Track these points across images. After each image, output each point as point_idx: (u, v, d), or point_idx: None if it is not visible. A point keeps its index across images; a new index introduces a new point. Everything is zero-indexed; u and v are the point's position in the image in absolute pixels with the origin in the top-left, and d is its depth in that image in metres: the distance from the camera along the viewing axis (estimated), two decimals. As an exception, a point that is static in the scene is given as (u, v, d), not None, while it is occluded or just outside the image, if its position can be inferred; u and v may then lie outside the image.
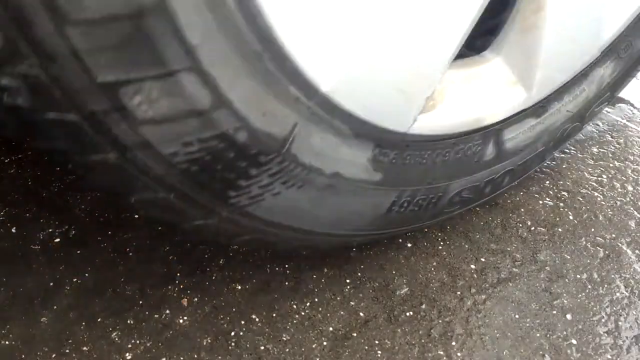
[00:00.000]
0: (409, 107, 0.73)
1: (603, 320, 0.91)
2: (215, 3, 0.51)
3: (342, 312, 0.87)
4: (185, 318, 0.83)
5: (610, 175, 1.21)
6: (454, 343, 0.85)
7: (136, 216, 0.99)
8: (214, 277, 0.89)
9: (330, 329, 0.85)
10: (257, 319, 0.84)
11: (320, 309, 0.87)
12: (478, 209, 1.08)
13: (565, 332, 0.88)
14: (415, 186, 0.83)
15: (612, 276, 0.99)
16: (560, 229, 1.06)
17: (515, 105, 0.86)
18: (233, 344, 0.81)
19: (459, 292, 0.92)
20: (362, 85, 0.66)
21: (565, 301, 0.93)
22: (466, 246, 1.00)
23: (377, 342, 0.84)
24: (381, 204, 0.81)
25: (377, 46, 0.64)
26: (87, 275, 0.90)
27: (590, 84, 0.96)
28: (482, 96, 0.83)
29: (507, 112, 0.86)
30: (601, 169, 1.23)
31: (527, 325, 0.89)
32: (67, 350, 0.78)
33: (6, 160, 1.08)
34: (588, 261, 1.01)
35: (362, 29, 0.62)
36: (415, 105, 0.74)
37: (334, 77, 0.63)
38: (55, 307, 0.84)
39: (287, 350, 0.81)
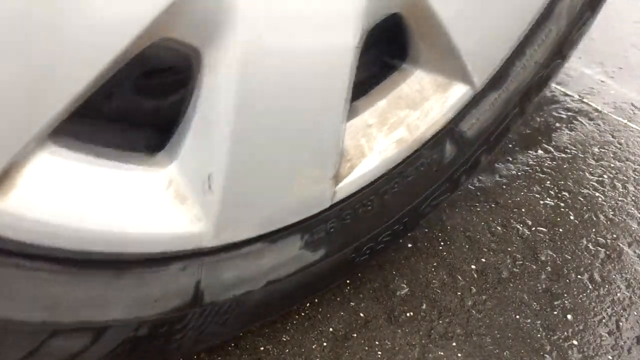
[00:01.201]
0: (317, 195, 0.66)
1: (604, 320, 0.91)
2: None
3: (342, 313, 0.87)
4: (185, 318, 0.83)
5: (611, 176, 1.21)
6: (454, 344, 0.84)
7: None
8: (213, 278, 0.89)
9: (330, 329, 0.84)
10: (257, 320, 0.84)
11: (320, 309, 0.87)
12: (479, 209, 1.08)
13: (566, 333, 0.88)
14: (371, 233, 0.77)
15: (613, 277, 0.99)
16: (561, 229, 1.06)
17: (461, 101, 0.75)
18: (233, 344, 0.81)
19: (459, 293, 0.92)
20: (251, 215, 0.62)
21: (566, 302, 0.93)
22: (467, 246, 1.00)
23: (377, 342, 0.83)
24: (340, 265, 0.77)
25: (252, 176, 0.59)
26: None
27: (557, 20, 0.81)
28: (415, 114, 0.72)
29: (453, 112, 0.76)
30: (602, 169, 1.23)
31: (528, 325, 0.89)
32: (67, 351, 0.78)
33: None
34: (589, 261, 1.01)
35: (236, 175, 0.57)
36: (323, 190, 0.66)
37: (216, 234, 0.59)
38: (54, 308, 0.84)
39: (287, 350, 0.81)
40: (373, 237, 0.78)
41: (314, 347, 0.82)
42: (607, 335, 0.89)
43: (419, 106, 0.73)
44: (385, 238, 0.80)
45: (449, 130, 0.77)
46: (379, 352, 0.82)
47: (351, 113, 0.67)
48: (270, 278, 0.68)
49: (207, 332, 0.68)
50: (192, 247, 0.58)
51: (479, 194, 1.12)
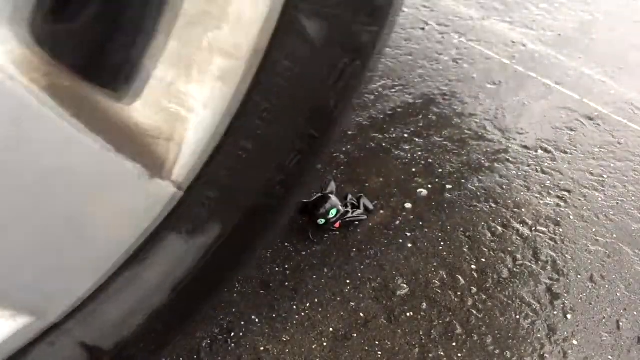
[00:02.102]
0: (151, 203, 0.56)
1: (604, 320, 0.91)
2: None
3: (342, 313, 0.87)
4: (185, 318, 0.83)
5: (611, 176, 1.21)
6: (454, 344, 0.84)
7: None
8: (213, 277, 0.89)
9: (331, 329, 0.84)
10: (257, 319, 0.84)
11: (320, 309, 0.87)
12: (479, 209, 1.08)
13: (566, 333, 0.88)
14: (269, 172, 0.62)
15: (613, 276, 0.99)
16: (561, 229, 1.06)
17: None
18: (233, 344, 0.81)
19: (459, 292, 0.92)
20: (77, 278, 0.55)
21: (566, 301, 0.93)
22: (467, 246, 1.00)
23: (377, 342, 0.83)
24: (256, 216, 0.65)
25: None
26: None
27: None
28: (223, 32, 0.53)
29: None
30: (602, 168, 1.23)
31: (528, 325, 0.89)
32: (67, 351, 0.78)
33: None
34: (589, 261, 1.01)
35: None
36: (154, 193, 0.55)
37: (51, 313, 0.54)
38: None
39: (287, 350, 0.81)
40: (276, 172, 0.62)
41: (314, 347, 0.82)
42: (607, 335, 0.89)
43: (222, 19, 0.53)
44: (293, 162, 0.63)
45: (294, 10, 0.54)
46: (379, 352, 0.82)
47: (139, 81, 0.52)
48: (173, 284, 0.61)
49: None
50: (36, 334, 0.54)
51: (479, 194, 1.12)
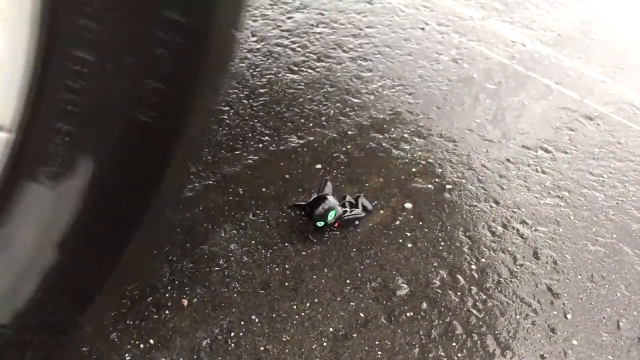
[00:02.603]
0: None
1: (604, 320, 0.91)
2: None
3: (342, 313, 0.87)
4: (185, 318, 0.83)
5: (611, 176, 1.21)
6: (454, 344, 0.85)
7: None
8: (214, 277, 0.89)
9: (331, 329, 0.84)
10: (257, 319, 0.84)
11: (320, 309, 0.87)
12: (479, 209, 1.08)
13: (565, 333, 0.88)
14: (134, 81, 0.48)
15: (613, 276, 0.99)
16: (561, 229, 1.06)
17: None
18: (233, 344, 0.81)
19: (459, 292, 0.92)
20: None
21: (565, 301, 0.93)
22: (467, 246, 1.00)
23: (377, 342, 0.83)
24: (137, 133, 0.52)
25: None
26: (86, 275, 0.89)
27: None
28: None
29: None
30: (602, 169, 1.23)
31: (528, 325, 0.89)
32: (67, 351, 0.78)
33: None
34: (589, 261, 1.01)
35: None
36: None
37: None
38: (54, 307, 0.84)
39: (287, 350, 0.81)
40: (141, 78, 0.49)
41: (314, 347, 0.82)
42: (607, 335, 0.89)
43: None
44: (163, 60, 0.50)
45: None
46: (379, 352, 0.82)
47: None
48: (57, 239, 0.53)
49: (61, 329, 0.58)
50: None
51: (478, 194, 1.12)
